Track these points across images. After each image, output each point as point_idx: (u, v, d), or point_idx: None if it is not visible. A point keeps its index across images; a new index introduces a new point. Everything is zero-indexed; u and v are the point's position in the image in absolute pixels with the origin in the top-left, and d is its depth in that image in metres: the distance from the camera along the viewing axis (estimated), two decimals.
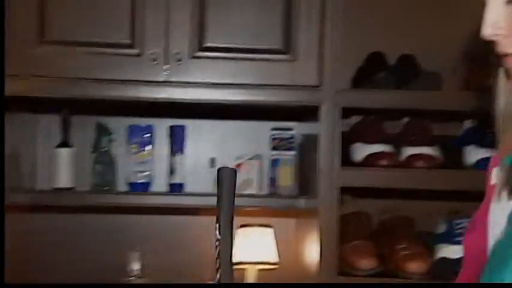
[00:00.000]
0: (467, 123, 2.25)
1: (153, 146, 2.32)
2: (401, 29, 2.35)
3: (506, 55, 1.05)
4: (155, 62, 2.02)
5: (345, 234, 2.15)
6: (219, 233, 1.13)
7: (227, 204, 1.15)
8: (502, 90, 1.11)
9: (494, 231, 1.09)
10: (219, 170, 1.17)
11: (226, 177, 1.16)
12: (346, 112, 2.13)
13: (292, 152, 2.36)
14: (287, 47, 2.06)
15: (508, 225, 1.05)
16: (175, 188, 2.30)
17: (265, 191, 2.36)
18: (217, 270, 1.13)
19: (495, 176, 1.16)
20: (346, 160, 2.15)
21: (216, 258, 1.13)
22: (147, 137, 2.30)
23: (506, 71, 1.06)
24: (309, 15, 2.06)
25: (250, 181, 2.34)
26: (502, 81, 1.10)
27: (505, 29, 1.04)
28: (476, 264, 1.13)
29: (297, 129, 2.38)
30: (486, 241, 1.12)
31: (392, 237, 2.20)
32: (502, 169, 1.12)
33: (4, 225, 1.89)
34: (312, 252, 2.13)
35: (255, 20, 2.06)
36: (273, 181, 2.36)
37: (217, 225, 1.14)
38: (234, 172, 1.16)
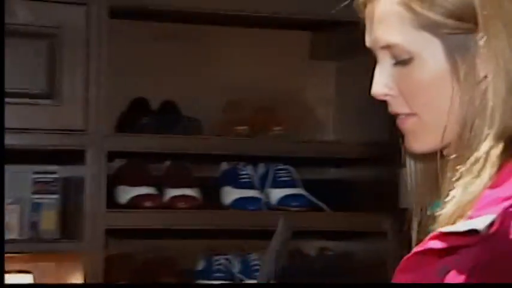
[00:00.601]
0: (224, 165, 2.40)
1: None
2: (164, 77, 2.46)
3: (397, 115, 1.06)
4: None
5: (110, 276, 2.20)
6: None
7: None
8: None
9: None
10: None
11: None
12: (111, 155, 2.20)
13: (55, 196, 2.36)
14: (51, 92, 2.09)
15: None
16: None
17: (26, 235, 2.34)
18: None
19: None
20: (112, 202, 2.21)
21: None
22: None
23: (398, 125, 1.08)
24: (73, 61, 2.10)
25: (11, 225, 2.30)
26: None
27: (394, 89, 1.04)
28: None
29: (61, 172, 2.39)
30: None
31: (155, 276, 2.28)
32: None
33: (4, 225, 1.75)
34: None
35: (20, 64, 2.07)
36: (34, 225, 2.34)
37: None
38: None
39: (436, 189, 1.05)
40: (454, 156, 1.00)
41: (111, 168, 2.32)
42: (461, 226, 0.92)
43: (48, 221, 2.33)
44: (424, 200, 1.10)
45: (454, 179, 0.98)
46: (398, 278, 1.00)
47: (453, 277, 0.93)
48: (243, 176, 2.35)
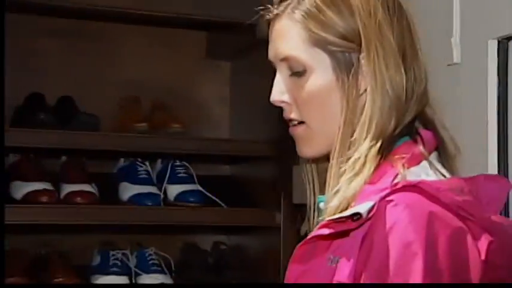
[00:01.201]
0: (121, 162, 2.42)
1: None
2: (61, 72, 2.46)
3: (289, 120, 1.20)
4: None
5: (3, 272, 2.18)
6: None
7: None
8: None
9: None
10: None
11: None
12: (6, 150, 2.18)
13: None
14: None
15: None
16: None
17: None
18: None
19: None
20: (7, 198, 2.19)
21: None
22: None
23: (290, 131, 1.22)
24: None
25: None
26: None
27: (288, 97, 1.18)
28: None
29: None
30: None
31: (49, 271, 2.27)
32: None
33: (4, 225, 1.65)
34: None
35: None
36: None
37: None
38: None
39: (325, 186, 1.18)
40: (338, 157, 1.14)
41: (5, 163, 2.30)
42: (346, 212, 1.06)
43: None
44: (315, 196, 1.24)
45: (338, 176, 1.13)
46: (292, 268, 1.13)
47: (344, 262, 1.07)
48: (141, 172, 2.37)
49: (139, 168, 2.37)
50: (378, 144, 1.12)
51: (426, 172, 1.12)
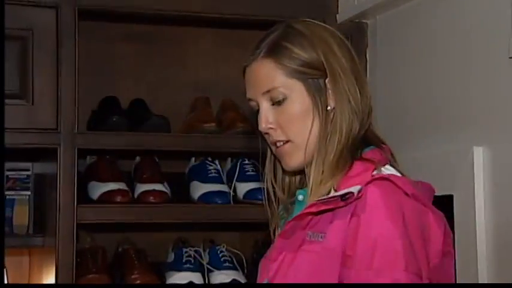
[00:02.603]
0: (192, 161, 2.48)
1: None
2: (134, 75, 2.54)
3: (275, 142, 1.45)
4: None
5: (81, 268, 2.27)
6: None
7: None
8: (268, 165, 1.56)
9: None
10: None
11: None
12: (82, 153, 2.27)
13: (28, 192, 2.43)
14: (24, 92, 2.16)
15: None
16: None
17: None
18: None
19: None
20: (83, 198, 2.28)
21: None
22: None
23: (274, 151, 1.50)
24: (45, 62, 2.17)
25: None
26: (268, 158, 1.55)
27: (273, 124, 1.44)
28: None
29: (35, 169, 2.46)
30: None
31: (126, 268, 2.36)
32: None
33: (4, 225, 1.80)
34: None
35: None
36: (8, 221, 2.41)
37: None
38: None
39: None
40: (317, 159, 1.42)
41: (83, 165, 2.40)
42: (340, 192, 1.35)
43: (22, 217, 2.40)
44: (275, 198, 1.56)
45: (319, 173, 1.41)
46: (278, 240, 1.43)
47: (333, 235, 1.34)
48: (210, 171, 2.43)
49: (209, 167, 2.42)
50: (348, 145, 1.41)
51: (391, 171, 1.42)
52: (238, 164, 2.44)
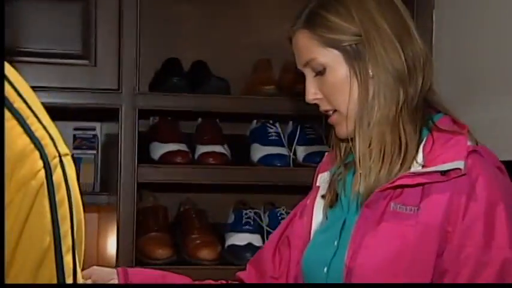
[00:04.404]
0: (253, 124, 2.49)
1: None
2: (196, 37, 2.55)
3: (326, 111, 1.46)
4: None
5: (143, 226, 2.32)
6: None
7: None
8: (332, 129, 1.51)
9: (316, 220, 1.51)
10: None
11: None
12: (145, 113, 2.30)
13: (94, 151, 2.49)
14: (87, 53, 2.20)
15: (324, 218, 1.50)
16: None
17: None
18: None
19: (319, 179, 1.58)
20: (146, 158, 2.32)
21: None
22: None
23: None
24: (107, 22, 2.20)
25: None
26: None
27: (319, 94, 1.45)
28: (299, 242, 1.51)
29: (99, 129, 2.51)
30: (311, 226, 1.51)
31: (186, 228, 2.40)
32: (326, 177, 1.55)
33: (4, 225, 1.88)
34: (112, 244, 2.28)
35: (57, 26, 2.18)
36: None
37: None
38: None
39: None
40: (359, 128, 1.40)
41: (146, 125, 2.44)
42: (445, 166, 1.31)
43: (88, 175, 2.47)
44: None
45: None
46: (363, 212, 1.38)
47: (430, 209, 1.31)
48: (271, 134, 2.43)
49: (270, 130, 2.43)
50: (392, 112, 1.38)
51: (472, 140, 1.38)
52: (299, 127, 2.43)
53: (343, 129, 1.44)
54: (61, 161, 0.83)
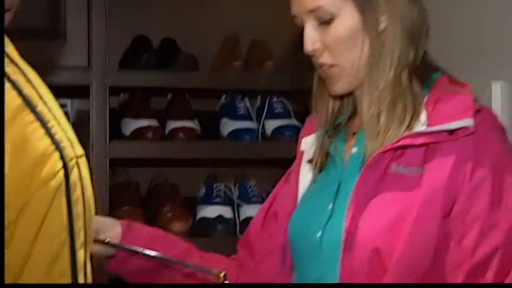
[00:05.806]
0: (222, 99, 2.53)
1: None
2: (163, 15, 2.58)
3: (322, 65, 1.34)
4: None
5: (116, 202, 2.35)
6: None
7: None
8: (316, 86, 1.42)
9: (303, 185, 1.43)
10: None
11: None
12: (115, 90, 2.34)
13: None
14: (57, 31, 2.23)
15: (312, 183, 1.42)
16: None
17: None
18: None
19: (304, 144, 1.47)
20: (117, 134, 2.36)
21: None
22: None
23: (319, 73, 1.38)
24: (76, 0, 2.22)
25: None
26: (315, 80, 1.41)
27: (319, 45, 1.32)
28: (286, 210, 1.43)
29: (70, 106, 2.54)
30: (297, 193, 1.43)
31: (158, 202, 2.44)
32: (311, 141, 1.45)
33: (4, 224, 1.90)
34: None
35: (26, 3, 2.19)
36: None
37: None
38: None
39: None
40: (368, 86, 1.32)
41: (117, 102, 2.47)
42: (452, 125, 1.25)
43: None
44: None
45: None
46: (364, 173, 1.30)
47: (434, 173, 1.25)
48: (240, 108, 2.47)
49: (239, 105, 2.46)
50: (405, 73, 1.29)
51: (475, 100, 1.31)
52: (267, 101, 2.47)
53: (341, 85, 1.33)
54: (77, 162, 0.89)
